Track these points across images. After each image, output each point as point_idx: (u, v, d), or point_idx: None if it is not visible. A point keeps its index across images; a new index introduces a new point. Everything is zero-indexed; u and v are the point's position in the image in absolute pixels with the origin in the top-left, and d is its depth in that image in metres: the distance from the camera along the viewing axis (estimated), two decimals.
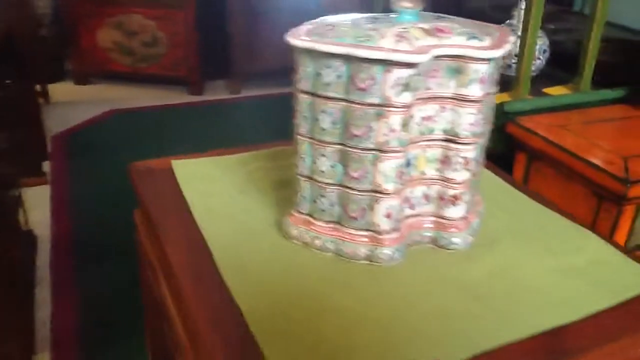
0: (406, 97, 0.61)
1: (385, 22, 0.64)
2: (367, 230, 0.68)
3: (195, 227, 0.73)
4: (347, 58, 0.61)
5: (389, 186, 0.65)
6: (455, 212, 0.70)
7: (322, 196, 0.68)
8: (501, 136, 1.55)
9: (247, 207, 0.79)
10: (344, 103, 0.63)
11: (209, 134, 2.61)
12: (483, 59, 0.62)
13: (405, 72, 0.60)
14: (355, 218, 0.68)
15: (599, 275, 0.67)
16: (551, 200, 0.86)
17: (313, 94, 0.65)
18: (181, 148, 0.97)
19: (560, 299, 0.63)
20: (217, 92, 3.13)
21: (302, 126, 0.67)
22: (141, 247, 0.84)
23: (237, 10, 2.93)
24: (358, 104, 0.62)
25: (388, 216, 0.67)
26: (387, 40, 0.60)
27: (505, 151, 1.51)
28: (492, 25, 0.69)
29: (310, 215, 0.70)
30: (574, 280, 0.66)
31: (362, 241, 0.68)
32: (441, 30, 0.63)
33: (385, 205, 0.66)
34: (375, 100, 0.61)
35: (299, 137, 0.68)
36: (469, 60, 0.62)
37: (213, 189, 0.82)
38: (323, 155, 0.66)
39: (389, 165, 0.64)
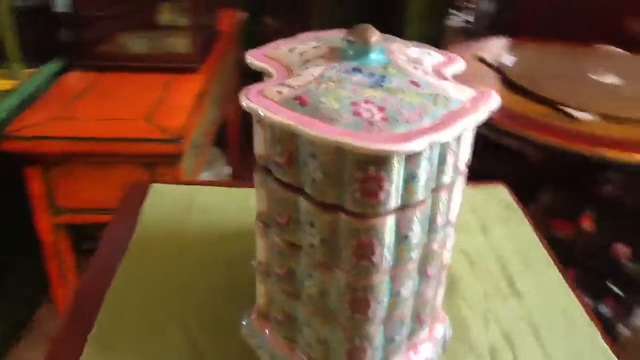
0: None
1: (373, 71, 0.45)
2: None
3: None
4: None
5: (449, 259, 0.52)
6: None
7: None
8: None
9: None
10: (429, 200, 0.44)
11: None
12: None
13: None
14: (425, 321, 0.51)
15: None
16: None
17: (401, 209, 0.42)
18: None
19: None
20: None
21: (382, 263, 0.43)
22: None
23: None
24: (443, 189, 0.45)
25: None
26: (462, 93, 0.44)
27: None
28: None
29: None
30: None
31: None
32: (416, 62, 0.50)
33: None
34: (451, 174, 0.46)
35: (376, 277, 0.43)
36: None
37: None
38: (409, 279, 0.46)
39: (451, 236, 0.51)
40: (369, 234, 0.41)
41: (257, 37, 2.56)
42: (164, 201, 0.74)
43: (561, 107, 1.43)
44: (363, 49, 0.46)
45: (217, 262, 0.65)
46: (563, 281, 0.64)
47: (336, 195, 0.41)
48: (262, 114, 0.41)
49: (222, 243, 0.68)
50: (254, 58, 0.50)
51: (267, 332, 0.52)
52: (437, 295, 0.52)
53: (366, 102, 0.41)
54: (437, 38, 2.38)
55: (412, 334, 0.51)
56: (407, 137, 0.38)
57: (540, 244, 0.70)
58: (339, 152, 0.39)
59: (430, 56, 0.51)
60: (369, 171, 0.39)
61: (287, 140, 0.42)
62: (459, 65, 0.51)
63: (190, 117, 1.34)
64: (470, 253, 0.67)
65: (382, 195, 0.40)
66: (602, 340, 0.57)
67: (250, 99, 0.42)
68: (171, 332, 0.55)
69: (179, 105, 1.40)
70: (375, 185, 0.39)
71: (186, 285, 0.61)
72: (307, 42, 0.51)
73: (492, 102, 0.44)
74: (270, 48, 0.52)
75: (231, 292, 0.61)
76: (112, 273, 0.63)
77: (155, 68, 1.55)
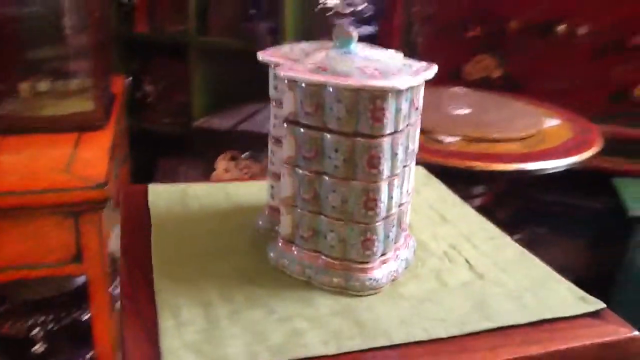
0: None
1: (359, 53, 0.69)
2: None
3: None
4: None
5: None
6: None
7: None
8: None
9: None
10: (405, 131, 0.68)
11: None
12: None
13: None
14: (404, 229, 0.74)
15: None
16: None
17: (393, 133, 0.65)
18: None
19: None
20: None
21: (384, 171, 0.65)
22: None
23: None
24: (411, 126, 0.69)
25: None
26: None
27: None
28: None
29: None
30: None
31: None
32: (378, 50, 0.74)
33: None
34: (415, 116, 0.70)
35: (381, 182, 0.65)
36: None
37: None
38: (397, 188, 0.68)
39: (413, 168, 0.74)
40: (377, 149, 0.64)
41: (138, 103, 2.72)
42: (164, 195, 0.90)
43: (432, 134, 1.76)
44: (347, 41, 0.69)
45: (225, 230, 0.82)
46: (476, 213, 0.90)
47: (354, 125, 0.63)
48: (299, 77, 0.63)
49: (222, 219, 0.85)
50: (265, 55, 0.72)
51: (294, 250, 0.71)
52: (408, 212, 0.75)
53: (365, 66, 0.64)
54: None
55: (396, 237, 0.72)
56: (398, 80, 0.62)
57: (454, 195, 0.95)
58: (357, 94, 0.61)
59: (384, 50, 0.76)
60: (377, 104, 0.62)
61: (315, 94, 0.63)
62: (401, 55, 0.77)
63: (108, 167, 1.43)
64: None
65: (384, 121, 0.63)
66: (512, 240, 0.82)
67: (287, 71, 0.64)
68: (216, 267, 0.72)
69: (94, 157, 1.48)
70: (380, 114, 0.62)
71: (208, 244, 0.78)
72: (299, 45, 0.74)
73: (435, 68, 0.69)
74: (273, 49, 0.74)
75: (246, 244, 0.78)
76: (145, 246, 0.77)
77: (60, 128, 1.60)
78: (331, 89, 0.62)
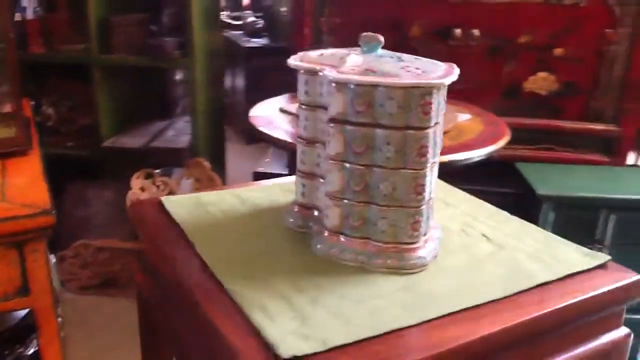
0: None
1: (390, 56, 0.76)
2: None
3: None
4: None
5: None
6: None
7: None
8: None
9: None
10: (440, 122, 0.76)
11: None
12: None
13: None
14: (433, 211, 0.82)
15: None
16: None
17: (435, 125, 0.73)
18: None
19: None
20: None
21: (430, 158, 0.73)
22: None
23: None
24: (443, 116, 0.77)
25: None
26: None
27: None
28: None
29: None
30: None
31: None
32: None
33: None
34: (444, 109, 0.79)
35: (427, 169, 0.73)
36: None
37: None
38: (434, 174, 0.76)
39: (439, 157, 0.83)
40: (424, 140, 0.71)
41: (39, 126, 2.57)
42: (182, 205, 0.91)
43: None
44: (375, 45, 0.77)
45: (257, 231, 0.85)
46: (470, 196, 1.00)
47: (405, 119, 0.70)
48: (353, 79, 0.69)
49: (248, 221, 0.88)
50: (296, 62, 0.77)
51: (343, 240, 0.77)
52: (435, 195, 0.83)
53: (405, 66, 0.72)
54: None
55: (430, 218, 0.80)
56: (442, 77, 0.70)
57: (442, 181, 1.06)
58: (408, 91, 0.69)
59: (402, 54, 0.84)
60: (426, 99, 0.69)
61: (367, 93, 0.70)
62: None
63: (49, 192, 1.36)
64: None
65: (432, 113, 0.71)
66: (509, 214, 0.93)
67: (338, 74, 0.70)
68: (270, 264, 0.76)
69: (28, 183, 1.41)
70: (429, 108, 0.70)
71: (249, 245, 0.81)
72: (325, 51, 0.80)
73: (456, 66, 0.78)
74: (301, 56, 0.79)
75: (284, 241, 0.82)
76: (185, 254, 0.79)
77: None
78: (382, 88, 0.69)
